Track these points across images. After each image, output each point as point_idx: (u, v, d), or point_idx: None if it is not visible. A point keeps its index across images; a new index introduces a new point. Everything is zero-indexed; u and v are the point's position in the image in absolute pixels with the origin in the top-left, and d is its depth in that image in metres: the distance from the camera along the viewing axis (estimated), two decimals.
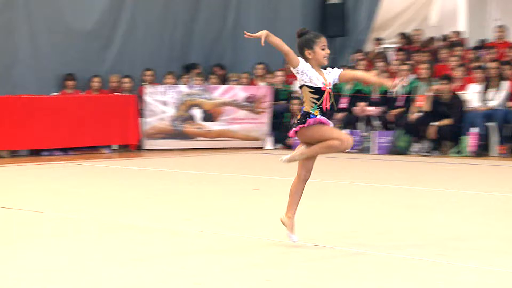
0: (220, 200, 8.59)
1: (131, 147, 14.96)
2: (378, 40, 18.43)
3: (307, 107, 5.72)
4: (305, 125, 5.68)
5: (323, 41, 5.75)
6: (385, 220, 7.15)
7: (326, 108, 5.70)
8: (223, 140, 15.34)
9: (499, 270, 5.14)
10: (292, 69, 5.68)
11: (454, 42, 16.81)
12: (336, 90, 15.46)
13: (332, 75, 5.79)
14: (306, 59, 5.71)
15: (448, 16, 18.83)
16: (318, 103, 5.67)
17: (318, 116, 5.68)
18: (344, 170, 11.89)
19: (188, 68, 16.52)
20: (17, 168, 12.16)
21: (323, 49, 5.71)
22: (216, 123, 15.36)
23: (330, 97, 5.72)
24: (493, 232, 6.55)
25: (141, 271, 5.16)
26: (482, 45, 16.71)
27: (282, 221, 5.88)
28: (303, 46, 5.74)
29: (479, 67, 14.40)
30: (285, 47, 5.61)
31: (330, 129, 5.72)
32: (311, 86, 5.68)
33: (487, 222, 7.09)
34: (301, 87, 5.74)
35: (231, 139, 15.38)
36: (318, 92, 5.67)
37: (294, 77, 16.67)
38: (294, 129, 5.75)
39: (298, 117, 5.76)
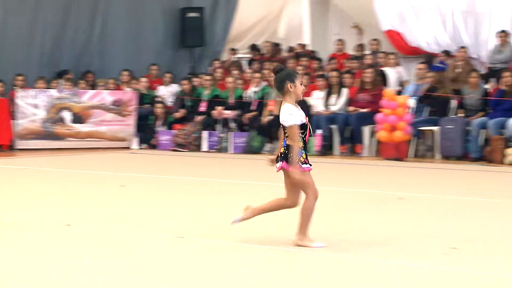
0: (90, 196, 8.40)
1: (4, 147, 14.47)
2: (233, 50, 18.50)
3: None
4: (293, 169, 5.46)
5: (301, 76, 5.71)
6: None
7: (307, 138, 5.61)
8: (92, 140, 15.00)
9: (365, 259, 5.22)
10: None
11: (299, 53, 17.07)
12: (196, 95, 15.39)
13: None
14: (287, 92, 5.54)
15: (294, 30, 19.13)
16: (303, 135, 5.56)
17: (308, 165, 5.54)
18: (205, 168, 11.85)
19: (61, 74, 16.07)
20: None
21: (301, 84, 5.60)
22: (85, 125, 15.00)
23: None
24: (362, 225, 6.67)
25: (16, 262, 5.03)
26: (314, 56, 16.95)
27: (299, 245, 5.55)
28: (285, 80, 5.55)
29: (322, 76, 14.67)
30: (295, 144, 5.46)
31: (308, 180, 5.55)
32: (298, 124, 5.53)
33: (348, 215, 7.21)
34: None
35: (99, 139, 15.06)
36: (303, 126, 5.55)
37: (158, 83, 16.48)
38: (280, 165, 5.52)
39: (282, 150, 5.54)
